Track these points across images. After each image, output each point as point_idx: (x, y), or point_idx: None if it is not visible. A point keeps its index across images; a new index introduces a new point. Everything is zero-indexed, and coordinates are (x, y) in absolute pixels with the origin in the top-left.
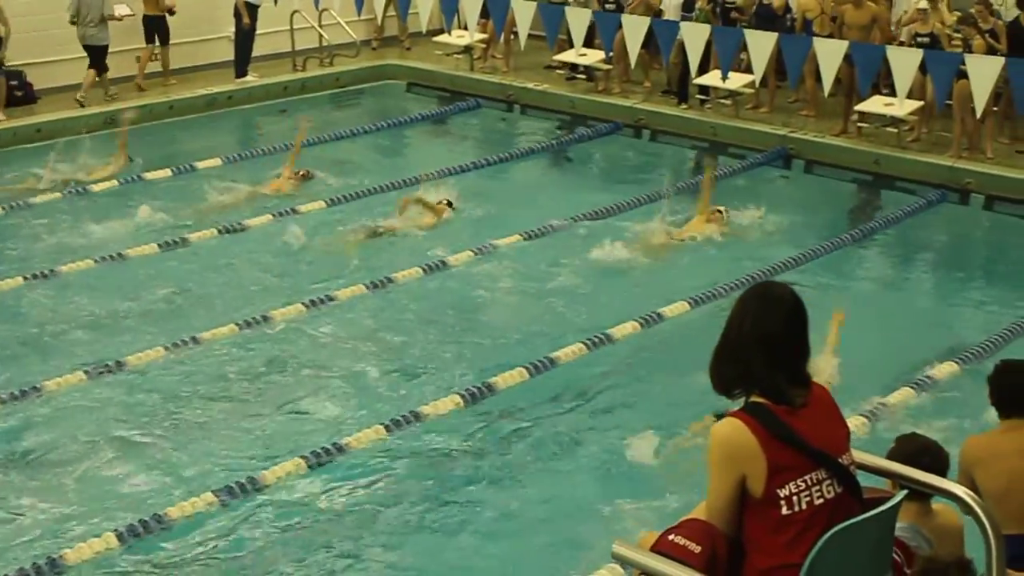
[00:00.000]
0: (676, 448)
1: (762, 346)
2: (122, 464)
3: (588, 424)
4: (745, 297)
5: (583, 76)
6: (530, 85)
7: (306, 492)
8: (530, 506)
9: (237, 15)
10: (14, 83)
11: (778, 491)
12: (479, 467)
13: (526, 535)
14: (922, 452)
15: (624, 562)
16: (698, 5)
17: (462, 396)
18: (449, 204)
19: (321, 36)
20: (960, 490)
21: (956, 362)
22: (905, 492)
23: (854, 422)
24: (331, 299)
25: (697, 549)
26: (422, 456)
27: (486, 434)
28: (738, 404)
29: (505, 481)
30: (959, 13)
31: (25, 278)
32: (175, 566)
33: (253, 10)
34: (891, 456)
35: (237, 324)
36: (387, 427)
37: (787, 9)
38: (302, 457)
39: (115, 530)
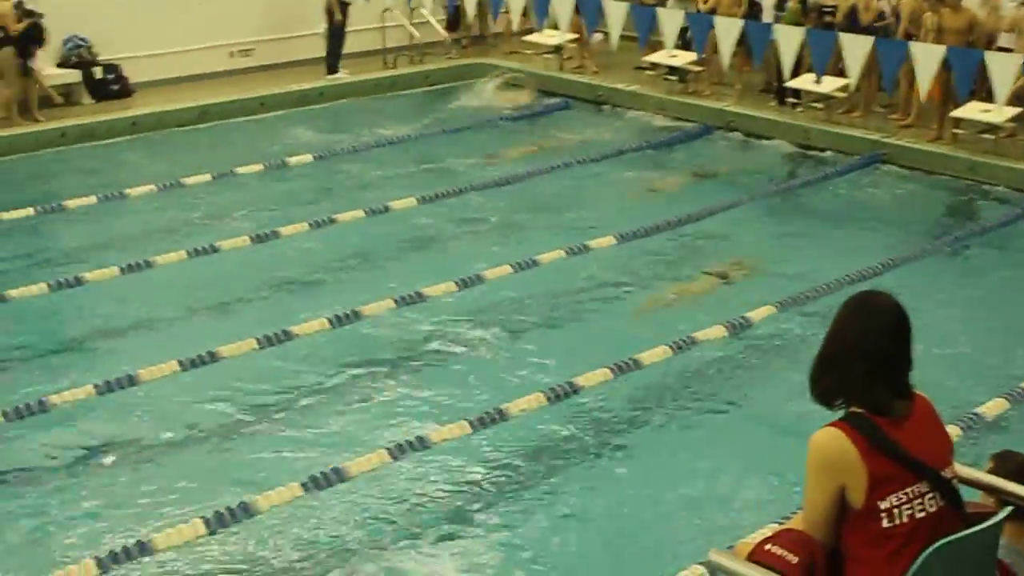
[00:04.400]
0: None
1: (865, 360)
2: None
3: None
4: (848, 307)
5: (674, 77)
6: (620, 86)
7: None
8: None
9: (329, 12)
10: (110, 76)
11: (879, 503)
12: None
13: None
14: None
15: (720, 570)
16: (788, 4)
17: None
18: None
19: (412, 34)
20: None
21: None
22: (1010, 508)
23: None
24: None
25: (794, 560)
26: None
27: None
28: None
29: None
30: None
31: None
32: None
33: (344, 7)
34: (994, 473)
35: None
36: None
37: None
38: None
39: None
